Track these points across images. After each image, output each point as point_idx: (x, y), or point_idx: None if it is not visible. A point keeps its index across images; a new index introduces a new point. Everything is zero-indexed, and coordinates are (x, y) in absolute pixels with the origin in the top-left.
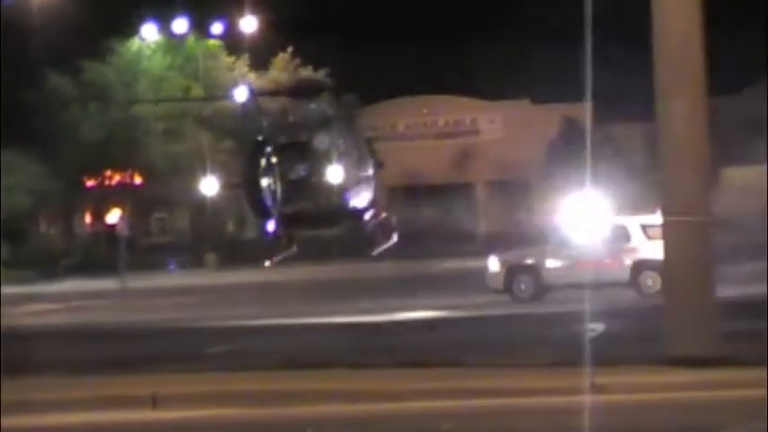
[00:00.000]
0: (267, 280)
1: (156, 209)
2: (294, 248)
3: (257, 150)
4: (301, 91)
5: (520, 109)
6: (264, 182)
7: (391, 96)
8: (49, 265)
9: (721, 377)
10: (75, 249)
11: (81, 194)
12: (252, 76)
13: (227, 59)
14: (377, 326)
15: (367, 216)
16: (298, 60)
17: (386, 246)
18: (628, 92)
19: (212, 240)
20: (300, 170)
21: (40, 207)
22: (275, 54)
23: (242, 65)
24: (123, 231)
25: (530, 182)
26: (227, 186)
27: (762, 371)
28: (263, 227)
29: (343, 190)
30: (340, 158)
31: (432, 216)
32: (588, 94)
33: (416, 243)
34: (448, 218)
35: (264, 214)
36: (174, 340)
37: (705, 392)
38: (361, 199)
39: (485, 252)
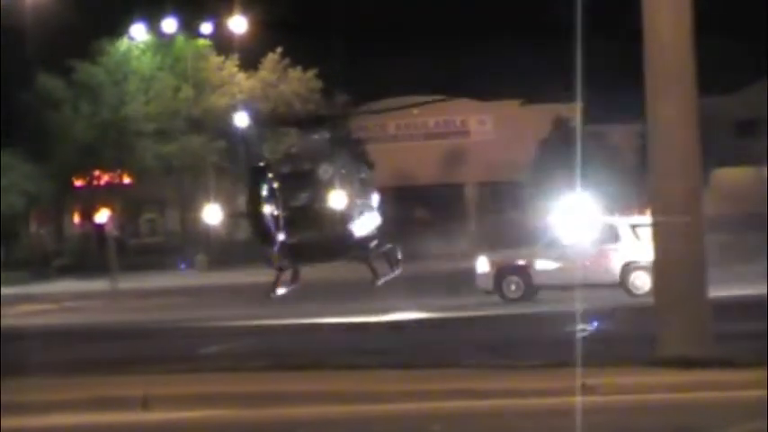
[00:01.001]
0: (258, 281)
1: (146, 209)
2: (298, 284)
3: (259, 177)
4: (303, 122)
5: (510, 109)
6: (267, 209)
7: (381, 97)
8: (40, 266)
9: (713, 378)
10: (66, 250)
11: (71, 195)
12: (241, 77)
13: (217, 59)
14: (366, 327)
15: (372, 245)
16: (287, 61)
17: (391, 276)
18: (618, 93)
19: (203, 241)
20: (303, 198)
21: (31, 208)
22: (265, 54)
23: (231, 65)
24: (112, 232)
25: (520, 182)
26: (230, 215)
27: (755, 372)
28: (266, 253)
29: (346, 219)
30: (343, 186)
31: (422, 217)
32: (579, 95)
33: (406, 244)
34: (438, 219)
35: (269, 241)
36: (166, 341)
37: (697, 393)
38: (364, 228)
39: (474, 253)
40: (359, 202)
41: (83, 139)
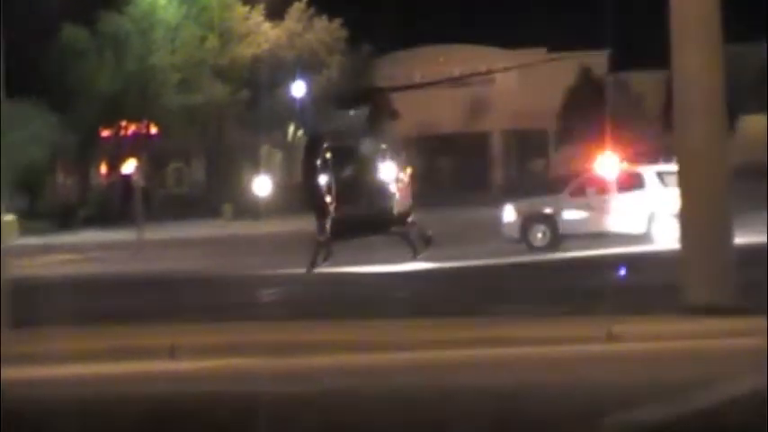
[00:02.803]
0: (283, 230)
1: (173, 159)
2: (330, 258)
3: (315, 149)
4: (344, 100)
5: (536, 57)
6: (323, 181)
7: (407, 46)
8: (65, 217)
9: (739, 326)
10: (92, 200)
11: (97, 146)
12: (267, 26)
13: (243, 9)
14: (391, 276)
15: (409, 220)
16: (313, 10)
17: (425, 252)
18: (645, 40)
19: (229, 191)
20: (348, 171)
21: (56, 158)
22: (290, 4)
23: (257, 14)
24: (139, 182)
25: (546, 131)
26: (281, 186)
27: None
28: (321, 223)
29: (387, 195)
30: (384, 163)
31: (448, 165)
32: (605, 43)
33: (432, 192)
34: (463, 167)
35: (324, 213)
36: (192, 290)
37: (722, 341)
38: (403, 203)
39: (501, 201)
40: (398, 177)
41: (108, 89)
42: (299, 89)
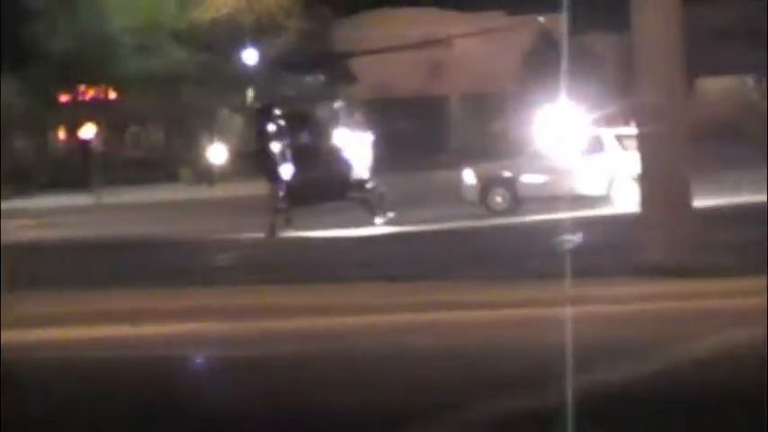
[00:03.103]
0: (242, 195)
1: (131, 124)
2: (291, 223)
3: (266, 116)
4: (301, 65)
5: (495, 20)
6: (276, 147)
7: (366, 9)
8: (22, 182)
9: (699, 287)
10: (50, 165)
11: (54, 110)
12: None
13: None
14: (351, 240)
15: (369, 186)
16: None
17: (386, 217)
18: (603, 2)
19: (187, 156)
20: (303, 139)
21: (12, 123)
22: None
23: None
24: (98, 147)
25: (505, 94)
26: (238, 155)
27: (740, 281)
28: (275, 190)
29: (344, 160)
30: (340, 128)
31: (406, 129)
32: (564, 5)
33: (391, 156)
34: (422, 131)
35: (277, 179)
36: (152, 255)
37: (683, 303)
38: (361, 169)
39: (460, 165)
40: (355, 142)
41: (64, 53)
42: (250, 55)
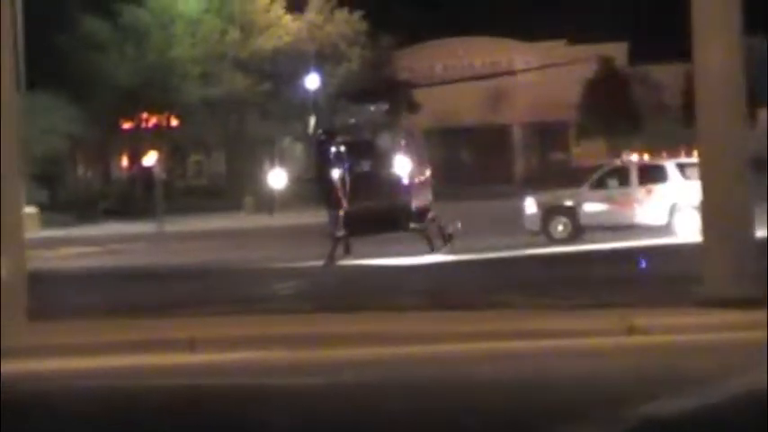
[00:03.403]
0: (303, 223)
1: (193, 152)
2: (350, 252)
3: (327, 143)
4: (365, 94)
5: (556, 50)
6: (336, 174)
7: (428, 38)
8: (86, 209)
9: (760, 318)
10: (113, 193)
11: (118, 138)
12: (288, 19)
13: (264, 1)
14: (413, 268)
15: (429, 216)
16: (333, 2)
17: (445, 249)
18: (664, 32)
19: (249, 184)
20: (366, 166)
21: (77, 151)
22: None
23: (278, 7)
24: (160, 174)
25: (567, 123)
26: (296, 181)
27: None
28: (333, 218)
29: (405, 190)
30: (402, 157)
31: (469, 158)
32: (625, 35)
33: (453, 185)
34: (485, 160)
35: (337, 206)
36: (213, 283)
37: (744, 333)
38: (421, 200)
39: (522, 193)
40: (416, 173)
41: (128, 82)
42: (312, 81)
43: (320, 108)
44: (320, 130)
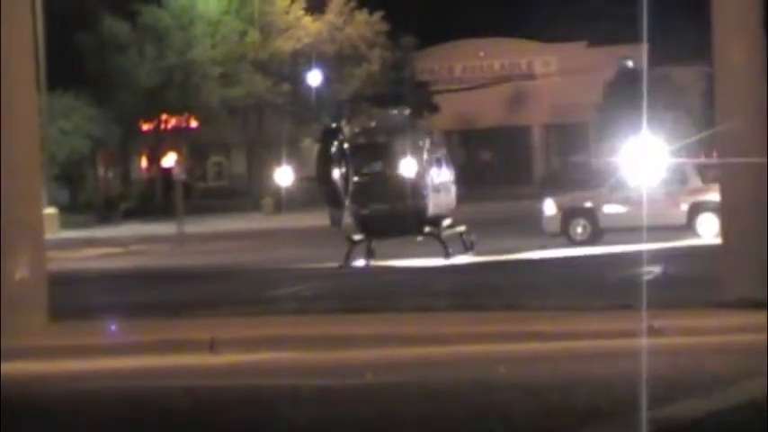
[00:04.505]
0: (324, 224)
1: (213, 153)
2: (373, 255)
3: (330, 139)
4: (379, 95)
5: (576, 51)
6: (337, 172)
7: (448, 39)
8: (106, 210)
9: None
10: (133, 194)
11: (137, 139)
12: (308, 20)
13: (283, 3)
14: (433, 270)
15: (445, 223)
16: (353, 3)
17: (464, 256)
18: (684, 34)
19: (269, 185)
20: (376, 167)
21: (97, 151)
22: None
23: (297, 8)
24: (179, 175)
25: (586, 124)
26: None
27: None
28: (334, 217)
29: (421, 194)
30: (419, 161)
31: (487, 159)
32: (645, 37)
33: (472, 186)
34: (503, 161)
35: (336, 204)
36: (232, 284)
37: (763, 335)
38: (441, 205)
39: (541, 195)
40: (436, 177)
41: (148, 82)
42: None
43: (339, 110)
44: (330, 125)
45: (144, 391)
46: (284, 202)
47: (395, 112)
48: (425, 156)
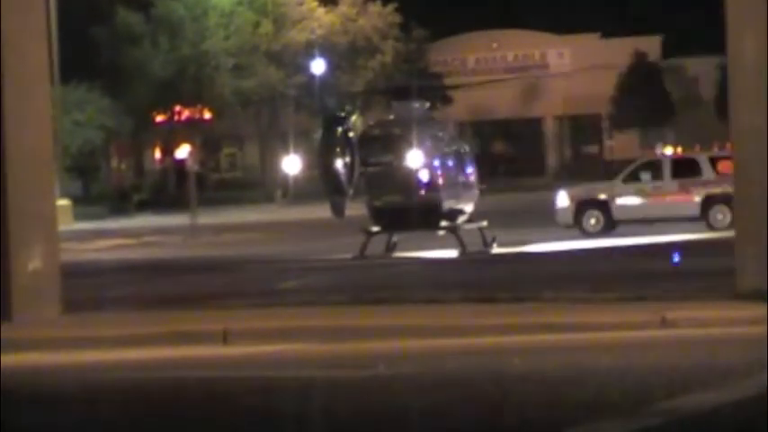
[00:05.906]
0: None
1: (226, 144)
2: (395, 248)
3: (333, 125)
4: (393, 87)
5: (589, 42)
6: (339, 162)
7: (461, 31)
8: (119, 202)
9: None
10: (146, 185)
11: (151, 130)
12: (321, 12)
13: None
14: (445, 261)
15: (462, 218)
16: None
17: (483, 253)
18: (698, 26)
19: (282, 176)
20: (396, 161)
21: (110, 143)
22: None
23: (310, 0)
24: (193, 167)
25: (600, 116)
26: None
27: None
28: (335, 206)
29: (436, 188)
30: (437, 155)
31: (500, 151)
32: (658, 28)
33: (486, 177)
34: (517, 152)
35: (337, 192)
36: (245, 276)
37: None
38: (460, 199)
39: (555, 186)
40: (454, 173)
41: (162, 74)
42: (318, 66)
43: (352, 101)
44: (333, 112)
45: (157, 383)
46: (294, 193)
47: (416, 105)
48: (444, 149)
